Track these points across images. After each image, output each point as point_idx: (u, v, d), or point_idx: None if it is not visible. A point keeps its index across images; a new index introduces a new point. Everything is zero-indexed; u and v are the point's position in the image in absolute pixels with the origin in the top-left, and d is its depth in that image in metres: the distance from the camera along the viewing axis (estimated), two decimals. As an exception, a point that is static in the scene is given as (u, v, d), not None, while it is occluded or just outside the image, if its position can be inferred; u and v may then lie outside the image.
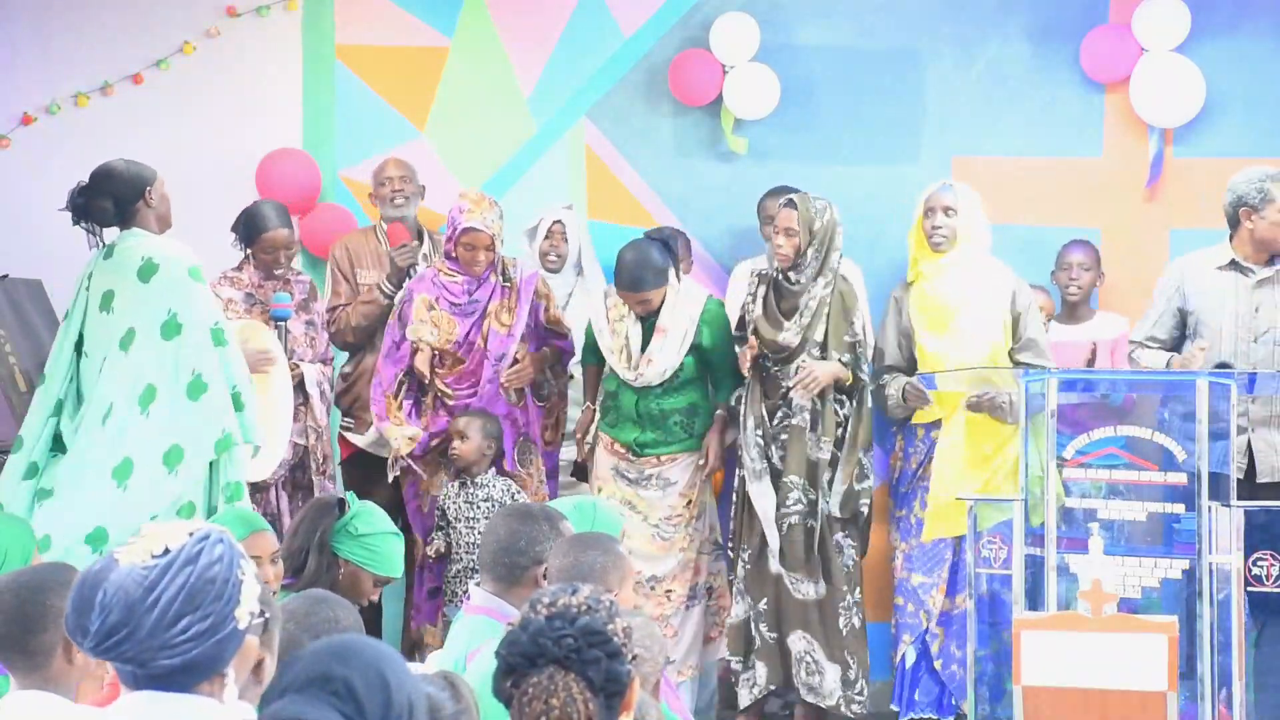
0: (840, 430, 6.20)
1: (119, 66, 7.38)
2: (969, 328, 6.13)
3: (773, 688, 6.32)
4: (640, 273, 6.24)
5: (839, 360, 6.17)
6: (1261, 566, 5.33)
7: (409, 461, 6.37)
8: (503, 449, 6.36)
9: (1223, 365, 5.89)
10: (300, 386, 6.39)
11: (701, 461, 6.36)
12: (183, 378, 5.09)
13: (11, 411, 6.36)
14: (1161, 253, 6.89)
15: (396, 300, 6.59)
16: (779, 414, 6.21)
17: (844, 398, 6.21)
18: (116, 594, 2.28)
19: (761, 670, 6.27)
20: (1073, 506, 5.39)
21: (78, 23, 7.43)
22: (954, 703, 6.19)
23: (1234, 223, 6.09)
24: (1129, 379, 5.90)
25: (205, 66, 7.39)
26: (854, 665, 6.20)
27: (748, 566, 6.28)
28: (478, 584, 4.18)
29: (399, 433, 6.37)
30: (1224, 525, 5.25)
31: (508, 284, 6.43)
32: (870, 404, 6.23)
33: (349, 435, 6.82)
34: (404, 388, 6.46)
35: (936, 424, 6.20)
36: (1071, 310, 6.80)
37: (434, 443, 6.41)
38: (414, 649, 6.44)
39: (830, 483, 6.16)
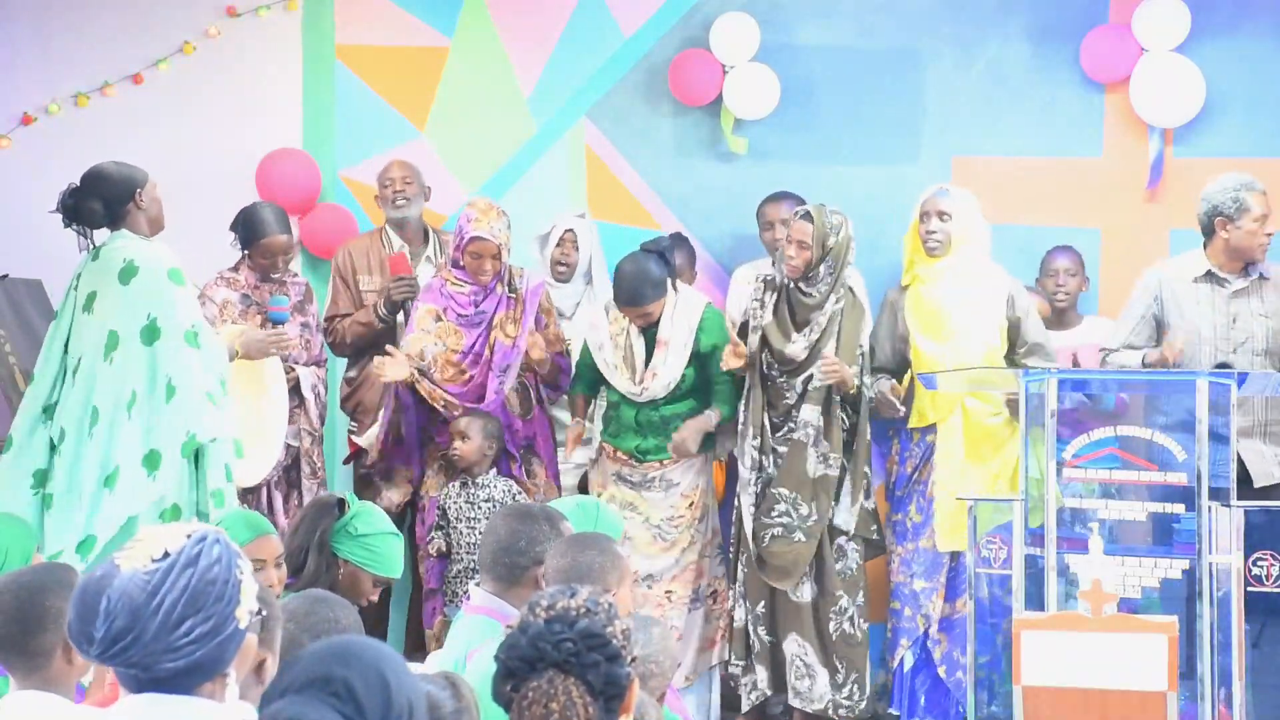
0: (847, 443, 6.17)
1: (119, 66, 7.39)
2: (964, 331, 6.13)
3: (769, 693, 6.30)
4: (639, 287, 6.23)
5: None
6: (1261, 566, 5.32)
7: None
8: (504, 449, 6.36)
9: (1223, 365, 5.89)
10: (295, 389, 6.38)
11: (675, 438, 6.34)
12: (160, 382, 5.11)
13: (11, 411, 6.37)
14: (1161, 253, 6.88)
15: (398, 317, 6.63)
16: (784, 427, 6.19)
17: (847, 409, 6.20)
18: (120, 600, 2.28)
19: (762, 674, 6.27)
20: (1072, 507, 5.38)
21: (78, 23, 7.44)
22: (959, 709, 6.16)
23: (1208, 232, 6.08)
24: (1127, 379, 5.89)
25: (205, 66, 7.39)
26: (842, 670, 6.17)
27: (746, 570, 6.28)
28: (478, 584, 4.18)
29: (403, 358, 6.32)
30: (1224, 525, 5.24)
31: (513, 295, 6.41)
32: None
33: (354, 437, 6.83)
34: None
35: (932, 428, 6.19)
36: (1059, 316, 6.79)
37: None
38: (416, 650, 6.45)
39: (837, 497, 6.14)
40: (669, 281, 6.33)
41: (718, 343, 6.33)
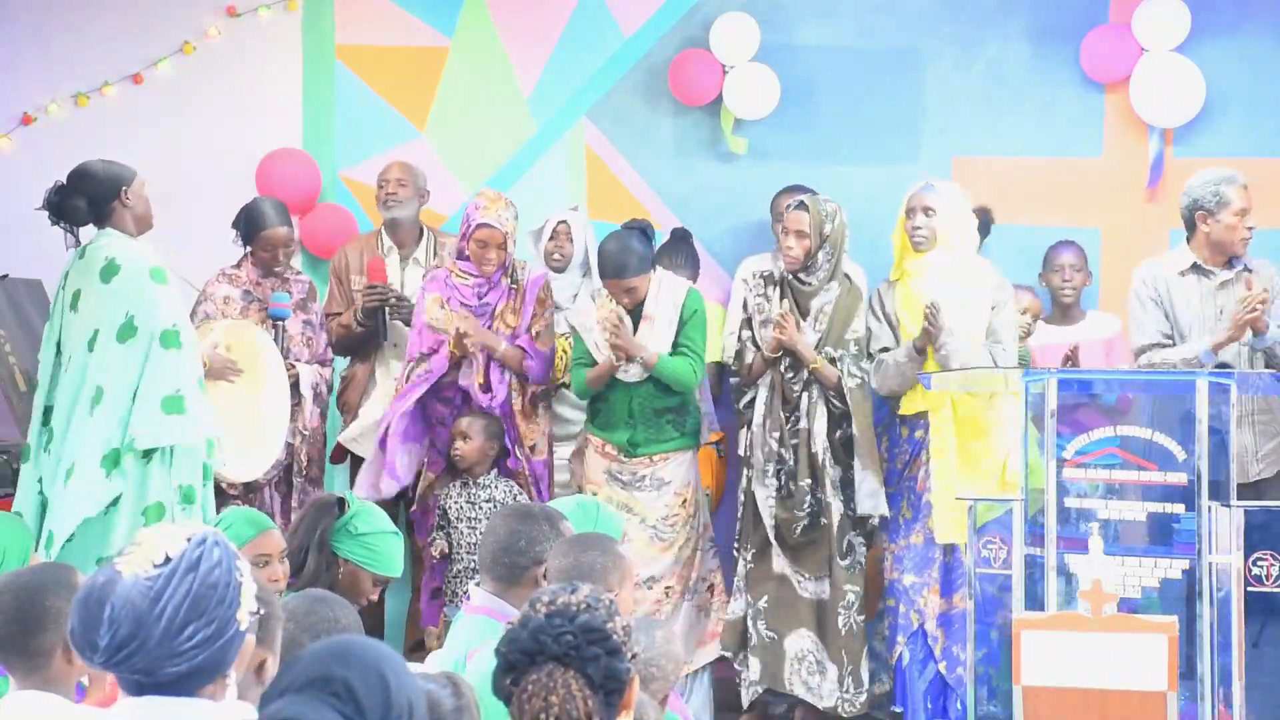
0: (840, 429, 6.20)
1: (119, 66, 7.39)
2: (952, 323, 6.13)
3: (761, 687, 6.30)
4: (624, 259, 6.25)
5: (831, 356, 6.18)
6: (1261, 566, 5.32)
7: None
8: (505, 449, 6.37)
9: (1223, 365, 5.89)
10: (295, 387, 6.38)
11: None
12: (129, 381, 5.10)
13: (12, 411, 6.38)
14: (1161, 253, 6.88)
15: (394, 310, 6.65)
16: (792, 418, 6.22)
17: (833, 400, 6.21)
18: (124, 608, 2.27)
19: (755, 667, 6.27)
20: (1072, 506, 5.38)
21: (78, 23, 7.44)
22: (961, 705, 6.17)
23: (1190, 226, 6.09)
24: (1126, 379, 5.90)
25: (205, 66, 7.39)
26: (850, 665, 6.21)
27: (750, 565, 6.28)
28: (478, 584, 4.18)
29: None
30: (1224, 525, 5.24)
31: (514, 285, 6.43)
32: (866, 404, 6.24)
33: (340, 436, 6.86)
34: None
35: (920, 423, 6.18)
36: (1064, 311, 6.80)
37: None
38: (415, 649, 6.45)
39: (839, 483, 6.17)
40: (651, 260, 6.35)
41: (689, 329, 6.33)
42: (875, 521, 6.25)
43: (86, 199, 5.25)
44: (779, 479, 6.21)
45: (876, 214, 6.91)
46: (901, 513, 6.23)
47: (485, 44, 7.40)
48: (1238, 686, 5.19)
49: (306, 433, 6.48)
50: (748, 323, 6.36)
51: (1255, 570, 5.31)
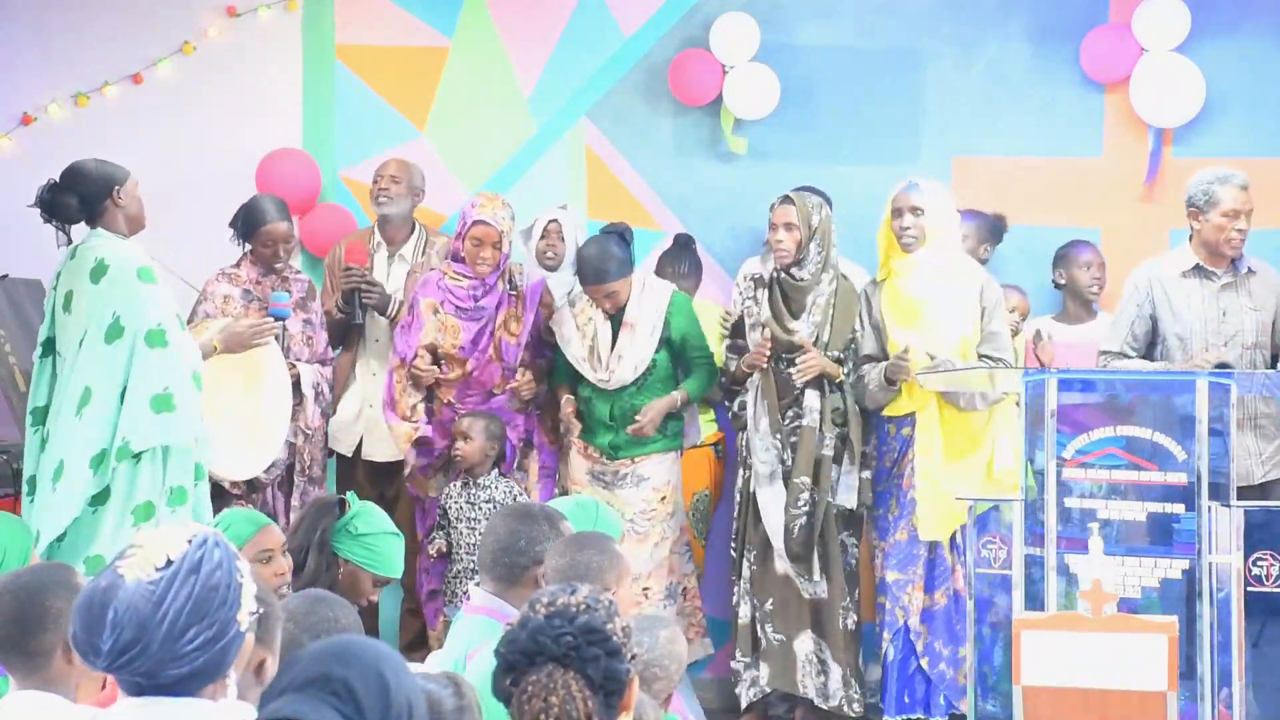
0: (840, 425, 6.22)
1: (119, 66, 7.39)
2: (939, 320, 6.14)
3: (771, 689, 6.31)
4: (604, 264, 6.28)
5: (836, 356, 6.20)
6: (1261, 566, 5.32)
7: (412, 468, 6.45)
8: (504, 450, 6.37)
9: (1223, 365, 5.88)
10: (296, 386, 6.38)
11: (638, 419, 6.34)
12: (116, 382, 5.10)
13: (12, 411, 6.38)
14: (1161, 253, 6.88)
15: (391, 305, 6.65)
16: (790, 414, 6.23)
17: (840, 393, 6.24)
18: (128, 612, 2.28)
19: (764, 671, 6.28)
20: (1073, 506, 5.38)
21: (78, 23, 7.44)
22: (944, 700, 6.19)
23: (1191, 225, 6.10)
24: (1127, 379, 5.89)
25: (205, 66, 7.39)
26: (852, 665, 6.23)
27: (753, 567, 6.29)
28: (478, 584, 4.18)
29: (400, 431, 6.41)
30: (1224, 525, 5.24)
31: (514, 291, 6.44)
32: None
33: None
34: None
35: (908, 421, 6.19)
36: (1086, 308, 6.79)
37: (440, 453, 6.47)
38: (415, 647, 6.46)
39: (836, 478, 6.18)
40: (632, 263, 6.36)
41: (688, 336, 6.35)
42: (862, 515, 6.26)
43: (78, 198, 5.25)
44: (784, 481, 6.22)
45: (877, 214, 6.90)
46: (889, 510, 6.24)
47: (485, 44, 7.39)
48: (1238, 686, 5.19)
49: (310, 432, 6.48)
50: (735, 329, 6.38)
51: (1255, 570, 5.31)
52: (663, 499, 6.44)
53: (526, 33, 7.37)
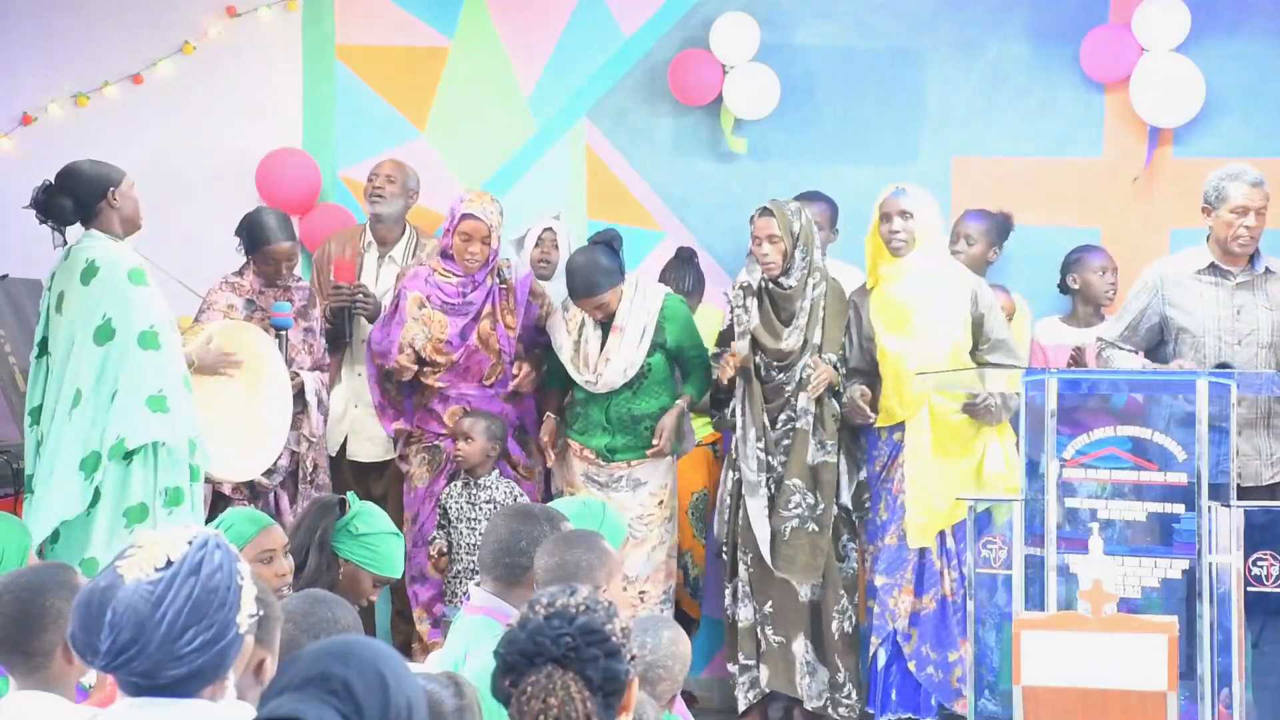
0: (839, 429, 6.23)
1: (119, 66, 7.39)
2: (929, 326, 6.14)
3: (769, 691, 6.31)
4: (592, 276, 6.28)
5: (831, 361, 6.21)
6: (1261, 566, 5.32)
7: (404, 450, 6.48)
8: (507, 450, 6.39)
9: (1223, 365, 5.88)
10: (300, 395, 6.38)
11: (655, 443, 6.35)
12: (107, 383, 5.10)
13: (12, 411, 6.38)
14: (1161, 253, 6.87)
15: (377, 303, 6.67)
16: (782, 418, 6.22)
17: (836, 398, 6.24)
18: (126, 612, 2.28)
19: (764, 673, 6.28)
20: (1073, 506, 5.38)
21: (78, 23, 7.44)
22: (933, 703, 6.19)
23: (1208, 223, 6.10)
24: (1128, 379, 5.89)
25: (205, 66, 7.39)
26: (843, 670, 6.22)
27: (751, 570, 6.29)
28: (478, 584, 4.17)
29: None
30: (1224, 525, 5.24)
31: (504, 285, 6.45)
32: None
33: None
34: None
35: (898, 426, 6.20)
36: (1098, 311, 6.78)
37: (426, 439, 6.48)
38: (404, 649, 6.45)
39: (837, 482, 6.19)
40: (621, 271, 6.36)
41: (683, 339, 6.36)
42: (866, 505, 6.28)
43: (73, 199, 5.25)
44: (769, 489, 6.21)
45: (876, 214, 6.92)
46: (879, 514, 6.25)
47: (485, 44, 7.39)
48: (1238, 686, 5.19)
49: (314, 439, 6.48)
50: (724, 337, 6.39)
51: (1255, 570, 5.31)
52: (660, 503, 6.43)
53: (526, 33, 7.37)
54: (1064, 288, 6.87)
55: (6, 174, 7.23)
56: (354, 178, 7.34)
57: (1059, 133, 7.17)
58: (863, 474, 6.30)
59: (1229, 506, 5.26)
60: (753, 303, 6.31)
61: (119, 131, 7.13)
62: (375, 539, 4.47)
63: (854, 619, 6.27)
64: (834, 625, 6.22)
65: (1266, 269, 6.07)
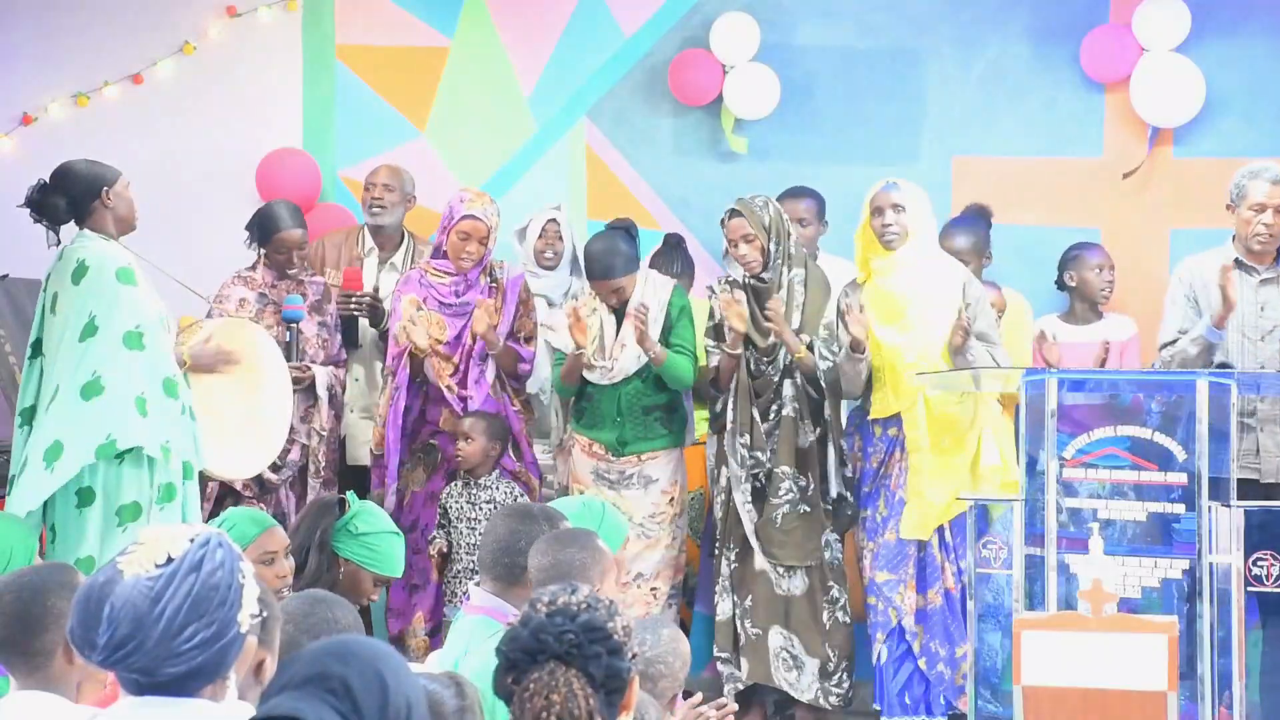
0: (820, 415, 6.24)
1: (119, 66, 7.39)
2: (923, 318, 6.13)
3: (750, 684, 6.32)
4: (610, 260, 6.28)
5: (808, 342, 6.19)
6: (1261, 566, 5.31)
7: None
8: (506, 450, 6.38)
9: (1223, 365, 5.88)
10: (311, 388, 6.38)
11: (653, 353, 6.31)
12: (80, 377, 5.09)
13: (11, 411, 6.37)
14: (1161, 252, 6.88)
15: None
16: (771, 409, 6.24)
17: (812, 387, 6.25)
18: (124, 607, 2.28)
19: (744, 666, 6.29)
20: (1073, 506, 5.38)
21: (78, 23, 7.44)
22: (944, 700, 6.19)
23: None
24: (1129, 379, 5.89)
25: (205, 66, 7.40)
26: (835, 659, 6.23)
27: (734, 565, 6.30)
28: (478, 584, 4.17)
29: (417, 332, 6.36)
30: (1224, 525, 5.24)
31: (494, 284, 6.45)
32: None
33: None
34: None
35: (894, 422, 6.19)
36: (1094, 309, 6.78)
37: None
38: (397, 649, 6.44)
39: (823, 467, 6.21)
40: (637, 258, 6.36)
41: (679, 322, 6.35)
42: (846, 511, 6.27)
43: (67, 198, 5.25)
44: (755, 481, 6.22)
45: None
46: (878, 510, 6.25)
47: (485, 44, 7.40)
48: (1238, 686, 5.19)
49: (324, 434, 6.47)
50: (714, 330, 6.38)
51: (1255, 570, 5.31)
52: (670, 500, 6.43)
53: (526, 33, 7.37)
54: (1061, 285, 6.87)
55: (6, 174, 7.23)
56: (354, 178, 7.34)
57: (1059, 132, 7.18)
58: (849, 470, 6.30)
59: (1229, 506, 5.26)
60: (740, 296, 6.31)
61: (119, 131, 7.14)
62: (375, 538, 4.47)
63: (848, 610, 6.26)
64: (825, 616, 6.23)
65: None
